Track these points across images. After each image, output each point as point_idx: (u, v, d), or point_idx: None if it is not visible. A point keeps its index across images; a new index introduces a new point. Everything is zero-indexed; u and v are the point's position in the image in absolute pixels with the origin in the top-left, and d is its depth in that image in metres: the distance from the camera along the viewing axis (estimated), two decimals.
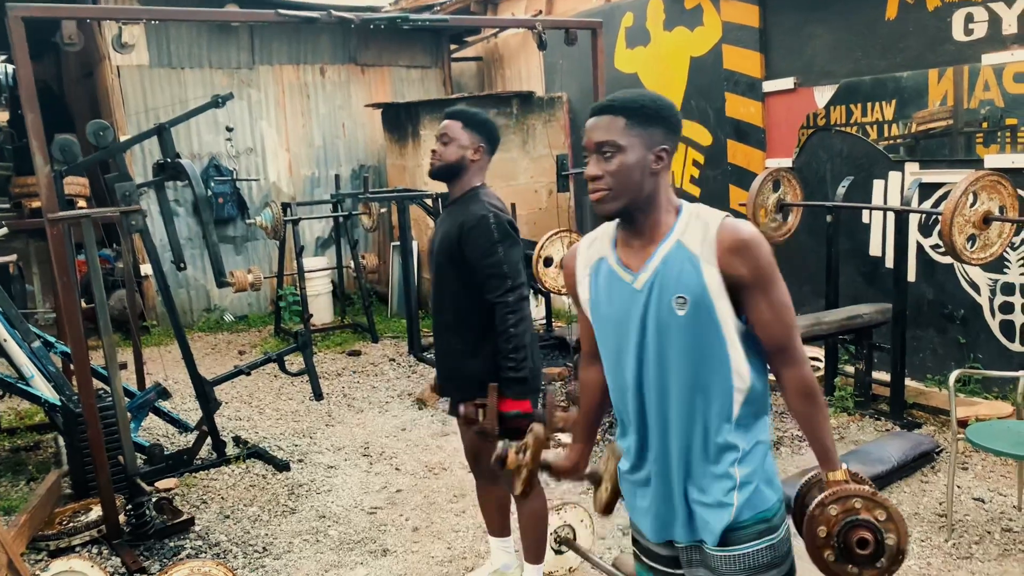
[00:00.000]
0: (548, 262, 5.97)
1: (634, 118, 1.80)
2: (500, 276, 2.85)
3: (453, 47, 10.35)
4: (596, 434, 2.22)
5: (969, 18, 5.04)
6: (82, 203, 6.98)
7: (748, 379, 1.83)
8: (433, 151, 2.95)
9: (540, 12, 8.87)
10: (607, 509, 2.02)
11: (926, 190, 5.31)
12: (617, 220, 1.89)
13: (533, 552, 3.17)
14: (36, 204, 6.70)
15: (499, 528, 3.35)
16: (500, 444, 2.21)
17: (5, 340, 4.58)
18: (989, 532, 3.71)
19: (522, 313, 2.88)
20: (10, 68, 13.95)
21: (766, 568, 1.86)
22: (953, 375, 3.79)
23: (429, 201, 7.24)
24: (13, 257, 6.66)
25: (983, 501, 4.01)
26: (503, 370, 2.87)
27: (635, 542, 2.08)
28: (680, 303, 1.79)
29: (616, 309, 1.89)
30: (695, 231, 1.81)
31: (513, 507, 3.35)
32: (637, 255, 1.86)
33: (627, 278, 1.86)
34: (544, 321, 7.30)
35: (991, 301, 5.15)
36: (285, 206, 7.57)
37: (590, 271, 1.95)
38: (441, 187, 7.50)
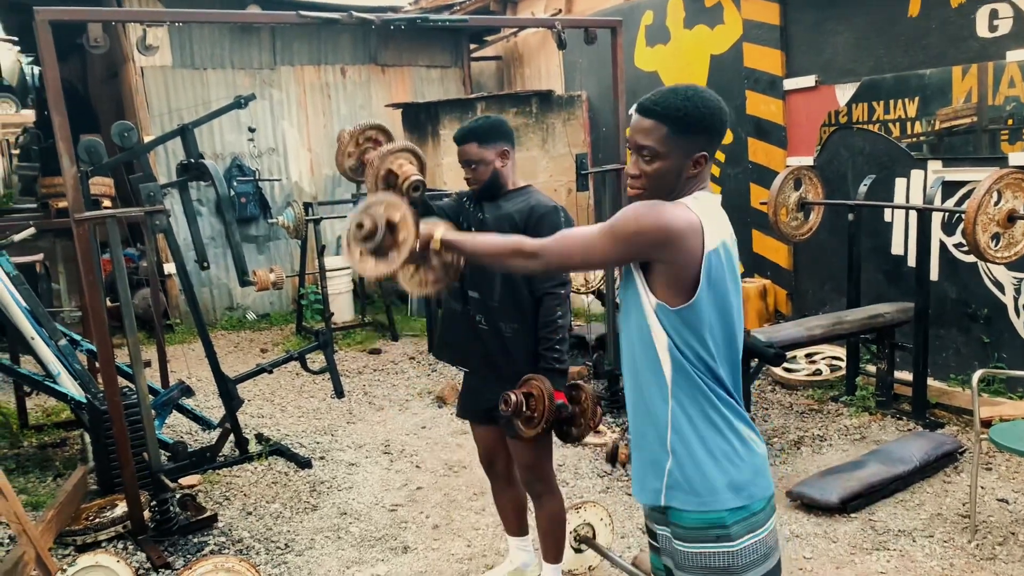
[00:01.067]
0: None
1: (678, 126, 1.83)
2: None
3: (473, 47, 10.37)
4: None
5: (994, 14, 4.99)
6: (107, 203, 7.06)
7: (669, 368, 1.86)
8: (466, 178, 3.02)
9: (559, 11, 8.87)
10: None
11: (949, 188, 5.26)
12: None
13: (552, 552, 3.18)
14: (62, 204, 6.79)
15: (517, 528, 3.37)
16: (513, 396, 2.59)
17: (32, 338, 4.65)
18: (1013, 533, 3.68)
19: (567, 307, 2.94)
20: (37, 70, 14.14)
21: (721, 573, 1.86)
22: (977, 375, 3.75)
23: (449, 200, 7.25)
24: (40, 256, 6.75)
25: (1007, 502, 3.97)
26: (548, 360, 2.88)
27: (647, 529, 2.11)
28: (627, 274, 1.95)
29: None
30: None
31: (531, 507, 3.36)
32: None
33: None
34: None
35: (1016, 300, 5.10)
36: (307, 205, 7.63)
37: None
38: (460, 187, 7.54)
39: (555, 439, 3.04)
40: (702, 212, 1.83)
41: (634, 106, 1.91)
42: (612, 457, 4.55)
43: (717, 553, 1.85)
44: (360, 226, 2.06)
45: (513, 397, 2.77)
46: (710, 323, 1.84)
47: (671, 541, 1.93)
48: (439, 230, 2.06)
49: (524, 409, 2.78)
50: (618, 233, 1.83)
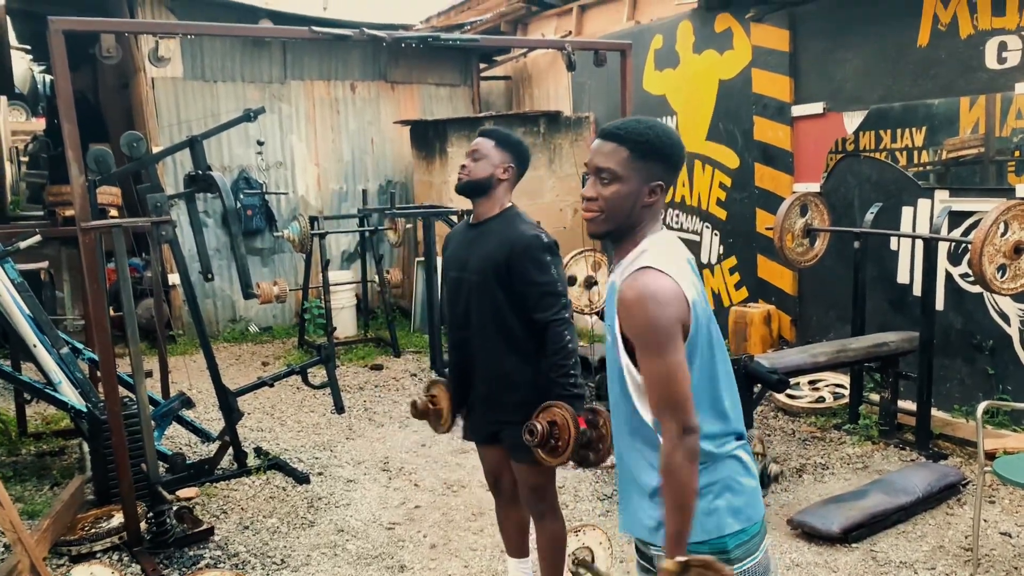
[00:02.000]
0: (572, 281, 5.97)
1: (637, 151, 1.86)
2: (555, 294, 2.85)
3: (482, 66, 10.42)
4: None
5: (1003, 46, 5.00)
6: (114, 212, 7.08)
7: (649, 416, 1.86)
8: (463, 166, 2.96)
9: (570, 33, 8.93)
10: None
11: (956, 218, 5.25)
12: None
13: (551, 573, 3.15)
14: (69, 212, 6.81)
15: (517, 549, 3.34)
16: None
17: (35, 345, 4.65)
18: (1016, 568, 3.64)
19: (573, 330, 2.90)
20: (49, 78, 14.24)
21: None
22: (981, 406, 3.73)
23: (455, 218, 7.27)
24: (45, 264, 6.76)
25: (1010, 536, 3.94)
26: (563, 387, 2.82)
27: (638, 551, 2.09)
28: (610, 330, 1.94)
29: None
30: (625, 272, 1.87)
31: (532, 528, 3.33)
32: (616, 268, 1.98)
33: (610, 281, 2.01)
34: None
35: (1021, 332, 5.08)
36: (312, 220, 7.64)
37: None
38: (468, 203, 7.56)
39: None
40: (670, 267, 1.82)
41: (598, 133, 1.94)
42: None
43: None
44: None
45: (539, 427, 2.72)
46: (702, 363, 1.86)
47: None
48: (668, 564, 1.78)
49: (550, 439, 2.74)
50: (661, 342, 1.77)
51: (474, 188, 2.95)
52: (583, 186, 5.92)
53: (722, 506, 1.86)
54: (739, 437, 1.94)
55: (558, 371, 2.84)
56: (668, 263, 1.84)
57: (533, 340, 2.90)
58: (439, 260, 8.50)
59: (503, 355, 2.93)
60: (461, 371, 3.08)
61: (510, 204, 3.00)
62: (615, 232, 1.92)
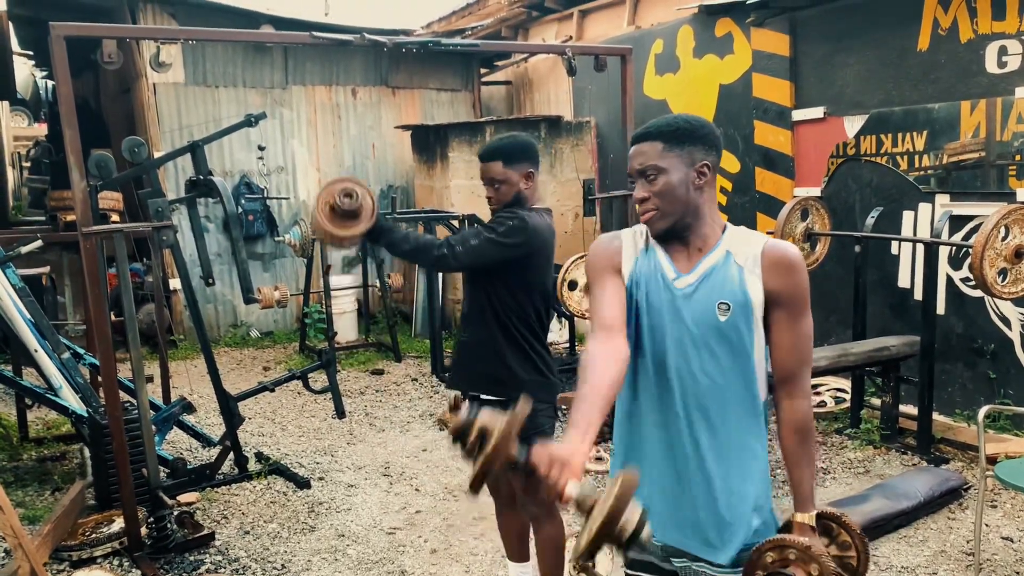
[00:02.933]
0: (572, 285, 5.97)
1: (670, 140, 1.87)
2: (464, 242, 2.89)
3: (483, 71, 10.44)
4: (602, 420, 1.71)
5: (1003, 51, 5.01)
6: (115, 217, 7.09)
7: (765, 393, 1.90)
8: (489, 197, 3.02)
9: (570, 38, 8.93)
10: (579, 560, 1.52)
11: (957, 222, 5.25)
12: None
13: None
14: (71, 217, 6.81)
15: (518, 554, 3.33)
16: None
17: (36, 350, 4.65)
18: (1018, 573, 3.63)
19: (426, 258, 2.93)
20: (50, 84, 14.27)
21: None
22: (983, 411, 3.72)
23: (456, 222, 7.27)
24: (46, 269, 6.78)
25: (1012, 540, 3.93)
26: (399, 234, 2.95)
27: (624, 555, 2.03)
28: (723, 309, 1.85)
29: (655, 303, 1.91)
30: (742, 244, 1.89)
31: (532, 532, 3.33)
32: (683, 259, 1.92)
33: (671, 275, 1.91)
34: (567, 345, 7.29)
35: (1022, 336, 5.07)
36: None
37: (637, 253, 1.97)
38: (469, 209, 7.56)
39: None
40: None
41: (631, 140, 1.95)
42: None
43: None
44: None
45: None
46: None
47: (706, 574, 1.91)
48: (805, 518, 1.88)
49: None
50: (809, 306, 1.91)
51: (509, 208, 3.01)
52: (584, 191, 5.90)
53: (772, 506, 1.94)
54: None
55: (410, 239, 2.94)
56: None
57: (507, 315, 2.95)
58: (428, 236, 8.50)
59: (482, 325, 2.99)
60: (457, 352, 3.22)
61: (538, 205, 3.04)
62: (679, 222, 1.88)
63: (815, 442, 1.89)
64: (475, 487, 1.59)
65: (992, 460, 4.16)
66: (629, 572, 2.07)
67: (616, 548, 1.49)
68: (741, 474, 1.87)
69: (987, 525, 4.05)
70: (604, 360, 1.77)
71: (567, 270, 5.91)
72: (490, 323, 2.98)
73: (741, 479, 1.87)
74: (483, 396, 3.01)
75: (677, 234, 1.91)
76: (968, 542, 3.90)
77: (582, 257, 5.99)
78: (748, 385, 1.87)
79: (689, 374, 1.86)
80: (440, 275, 8.02)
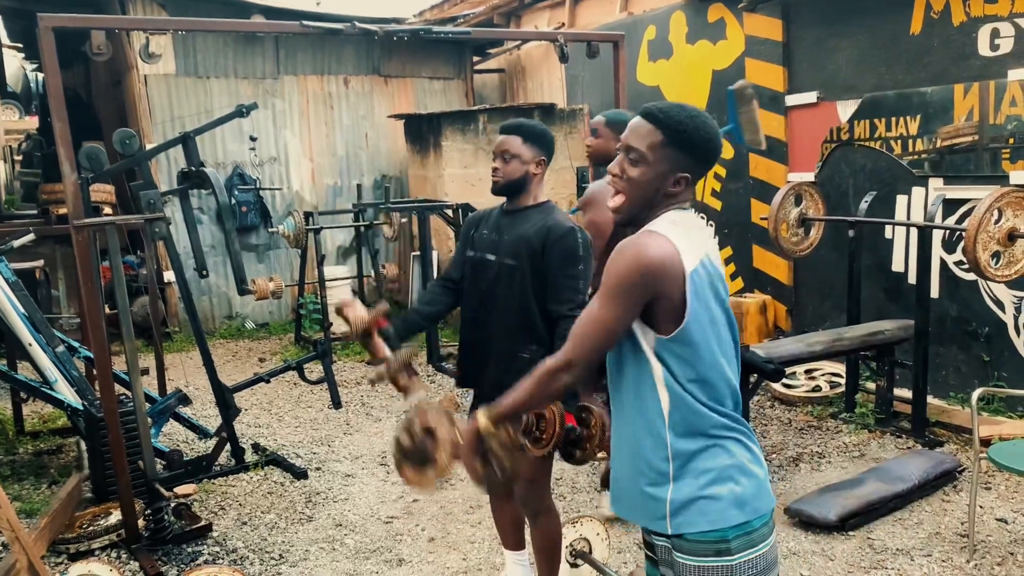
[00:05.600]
0: None
1: (673, 137, 1.83)
2: (575, 290, 2.81)
3: (476, 59, 10.40)
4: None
5: (995, 33, 5.00)
6: (108, 210, 7.06)
7: (667, 401, 1.85)
8: (495, 168, 2.93)
9: (562, 25, 8.91)
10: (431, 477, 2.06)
11: (950, 206, 5.26)
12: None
13: (547, 569, 3.16)
14: (63, 210, 6.79)
15: (514, 542, 3.34)
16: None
17: (30, 344, 4.64)
18: (1012, 553, 3.66)
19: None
20: (41, 76, 14.19)
21: None
22: (976, 393, 3.74)
23: (450, 212, 7.26)
24: (40, 262, 6.75)
25: (1006, 522, 3.95)
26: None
27: (645, 542, 2.10)
28: None
29: None
30: None
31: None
32: None
33: None
34: None
35: (1016, 319, 5.09)
36: (307, 215, 7.63)
37: None
38: (464, 197, 7.55)
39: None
40: (675, 234, 1.81)
41: (640, 111, 1.90)
42: (606, 481, 4.48)
43: (716, 567, 1.84)
44: (399, 443, 2.08)
45: (524, 417, 2.70)
46: (705, 341, 1.83)
47: (671, 552, 1.91)
48: (481, 416, 1.98)
49: (534, 430, 2.72)
50: (611, 292, 1.80)
51: (511, 189, 2.94)
52: (577, 179, 5.89)
53: (724, 495, 1.83)
54: (739, 423, 1.91)
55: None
56: (671, 230, 1.82)
57: (545, 325, 2.87)
58: (435, 254, 8.52)
59: (521, 341, 2.89)
60: (474, 354, 3.04)
61: (547, 199, 2.99)
62: (635, 216, 1.89)
63: (536, 378, 1.92)
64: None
65: (986, 442, 4.19)
66: (647, 553, 2.10)
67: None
68: (638, 466, 1.93)
69: (981, 507, 4.07)
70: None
71: None
72: (542, 336, 2.88)
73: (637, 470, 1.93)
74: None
75: (631, 223, 1.91)
76: (962, 524, 3.92)
77: None
78: (636, 375, 1.89)
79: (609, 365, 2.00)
80: (435, 264, 8.01)
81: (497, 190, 2.96)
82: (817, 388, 5.88)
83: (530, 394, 1.94)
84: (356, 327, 2.89)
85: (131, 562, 3.87)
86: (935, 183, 5.43)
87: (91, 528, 4.08)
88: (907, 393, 5.13)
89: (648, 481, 1.90)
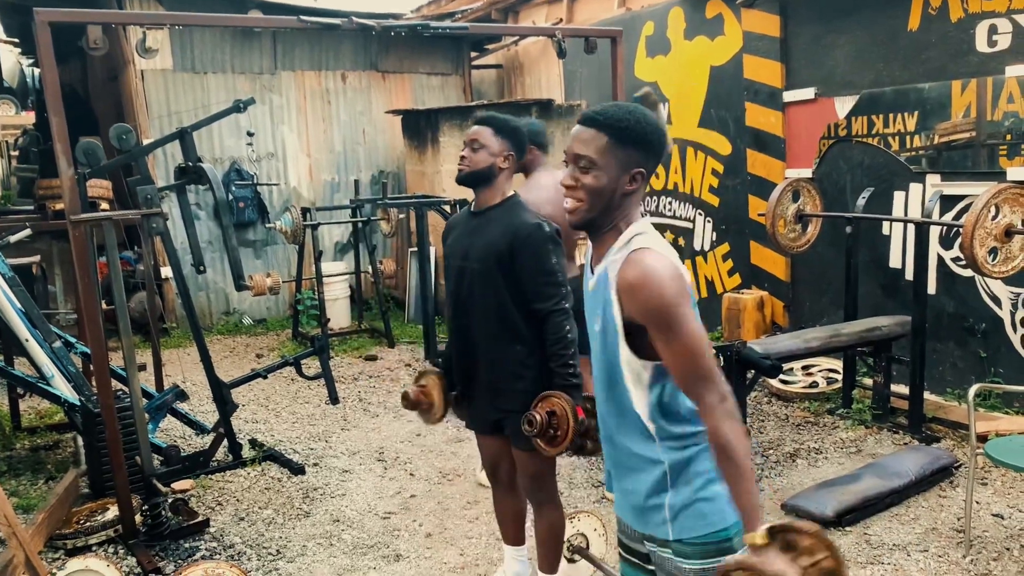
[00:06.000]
0: None
1: (617, 137, 1.82)
2: (556, 284, 2.83)
3: (473, 54, 10.38)
4: None
5: (993, 29, 5.00)
6: (105, 205, 7.05)
7: (645, 403, 1.85)
8: (462, 157, 2.92)
9: (560, 20, 8.90)
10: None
11: (947, 202, 5.26)
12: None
13: (548, 562, 3.16)
14: (59, 206, 6.77)
15: (514, 537, 3.35)
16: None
17: (27, 340, 4.63)
18: (1008, 549, 3.67)
19: (573, 322, 2.86)
20: (37, 71, 14.15)
21: None
22: (973, 389, 3.74)
23: (447, 207, 7.26)
24: (36, 258, 6.74)
25: (1002, 517, 3.96)
26: (563, 377, 2.81)
27: (619, 540, 2.09)
28: (598, 319, 1.90)
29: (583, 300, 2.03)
30: (616, 257, 1.85)
31: (529, 517, 3.34)
32: (596, 258, 1.95)
33: (588, 273, 1.98)
34: None
35: (1013, 315, 5.09)
36: (305, 211, 7.62)
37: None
38: (461, 193, 7.54)
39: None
40: (662, 246, 1.83)
41: (578, 118, 1.91)
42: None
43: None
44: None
45: (538, 417, 2.68)
46: None
47: (671, 561, 1.90)
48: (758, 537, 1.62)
49: (548, 429, 2.71)
50: (685, 311, 1.74)
51: (475, 179, 2.93)
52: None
53: (721, 493, 1.83)
54: None
55: (557, 361, 2.83)
56: (661, 245, 1.83)
57: (535, 329, 2.88)
58: (432, 250, 8.53)
59: (506, 344, 2.91)
60: (462, 359, 3.07)
61: (512, 193, 2.98)
62: (596, 221, 1.88)
63: (738, 460, 1.70)
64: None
65: (982, 438, 4.20)
66: (622, 554, 2.09)
67: None
68: (637, 481, 1.92)
69: (977, 502, 4.08)
70: None
71: None
72: (526, 341, 2.90)
73: (637, 484, 1.92)
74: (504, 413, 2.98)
75: (593, 231, 1.91)
76: (959, 519, 3.93)
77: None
78: (624, 398, 1.87)
79: (596, 377, 1.97)
80: (433, 260, 8.01)
81: (461, 178, 2.96)
82: (814, 384, 5.89)
83: (747, 466, 1.71)
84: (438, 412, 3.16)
85: (128, 558, 3.87)
86: (932, 179, 5.44)
87: (88, 524, 4.08)
88: (904, 389, 5.14)
89: (648, 490, 1.90)
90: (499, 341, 2.92)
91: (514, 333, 2.90)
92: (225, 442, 4.91)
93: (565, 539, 3.36)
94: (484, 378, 3.01)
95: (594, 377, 2.00)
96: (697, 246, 7.52)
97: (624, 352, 1.84)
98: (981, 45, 5.08)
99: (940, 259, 5.43)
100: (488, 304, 2.92)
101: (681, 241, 7.68)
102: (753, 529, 1.64)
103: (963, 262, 5.04)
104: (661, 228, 7.56)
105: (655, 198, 7.95)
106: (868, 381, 5.40)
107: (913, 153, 5.54)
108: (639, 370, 1.84)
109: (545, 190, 4.08)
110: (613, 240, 1.88)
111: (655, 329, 1.75)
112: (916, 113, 5.47)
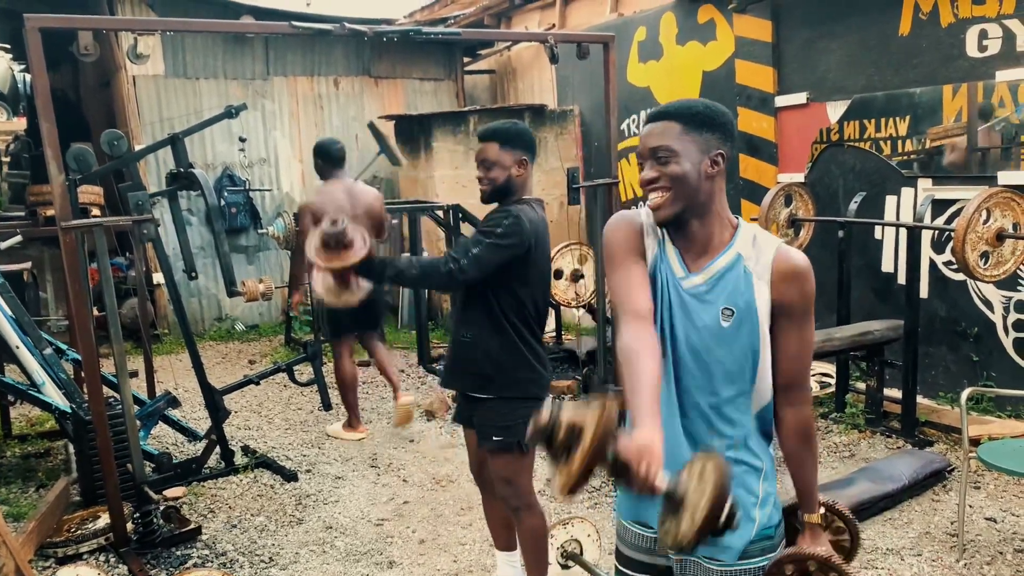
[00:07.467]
0: (559, 275, 5.98)
1: (689, 123, 1.79)
2: (466, 253, 2.81)
3: (466, 60, 10.39)
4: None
5: (983, 34, 5.02)
6: (96, 212, 7.02)
7: (767, 396, 1.86)
8: (479, 177, 2.97)
9: (553, 26, 8.91)
10: (683, 544, 1.50)
11: (939, 206, 5.28)
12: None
13: (535, 568, 3.15)
14: (50, 212, 6.74)
15: (505, 542, 3.34)
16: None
17: (17, 347, 4.60)
18: (1001, 553, 3.67)
19: (443, 283, 2.93)
20: (29, 77, 14.11)
21: None
22: (965, 393, 3.75)
23: (440, 213, 7.25)
24: (27, 264, 6.70)
25: (995, 521, 3.96)
26: (398, 271, 2.80)
27: (619, 554, 2.02)
28: (727, 315, 1.80)
29: (664, 298, 1.86)
30: (753, 248, 1.83)
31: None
32: (692, 257, 1.86)
33: (680, 273, 1.85)
34: (554, 334, 7.29)
35: (1004, 319, 5.11)
36: (297, 216, 7.59)
37: (657, 240, 1.90)
38: (453, 199, 7.53)
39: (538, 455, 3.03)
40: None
41: (647, 117, 1.87)
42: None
43: (766, 564, 1.87)
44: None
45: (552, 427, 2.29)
46: None
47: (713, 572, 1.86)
48: (815, 517, 1.94)
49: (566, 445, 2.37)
50: (813, 314, 1.88)
51: (497, 195, 2.98)
52: (568, 180, 5.86)
53: (776, 492, 1.90)
54: None
55: (413, 265, 2.89)
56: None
57: (503, 312, 2.93)
58: (425, 255, 8.49)
59: (463, 326, 2.99)
60: (450, 352, 3.17)
61: (527, 196, 3.02)
62: (686, 212, 1.80)
63: (816, 444, 1.89)
64: (574, 489, 1.50)
65: (975, 442, 4.20)
66: (621, 569, 2.02)
67: (712, 536, 1.49)
68: (742, 477, 1.85)
69: (971, 506, 4.09)
70: (648, 351, 1.73)
71: (552, 260, 5.90)
72: (485, 321, 2.95)
73: (735, 490, 1.78)
74: (476, 395, 3.01)
75: (683, 225, 1.83)
76: (952, 523, 3.93)
77: (568, 246, 5.99)
78: (746, 392, 1.84)
79: (692, 376, 1.83)
80: None
81: (486, 198, 3.02)
82: None
83: (816, 460, 1.94)
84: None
85: (120, 566, 3.85)
86: (924, 184, 5.45)
87: (79, 532, 4.05)
88: (897, 393, 5.15)
89: (752, 498, 1.92)
90: (461, 326, 3.03)
91: (480, 311, 2.96)
92: (217, 449, 4.89)
93: (558, 545, 3.34)
94: (450, 356, 3.14)
95: (684, 384, 1.84)
96: None
97: (767, 340, 1.82)
98: (972, 50, 5.10)
99: (932, 263, 5.44)
100: (460, 300, 3.05)
101: None
102: (814, 510, 1.90)
103: (955, 266, 5.06)
104: None
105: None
106: (861, 385, 5.41)
107: (905, 157, 5.55)
108: (769, 359, 1.84)
109: (329, 194, 5.27)
110: (719, 231, 1.84)
111: (800, 314, 1.83)
112: (907, 118, 5.49)
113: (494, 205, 3.02)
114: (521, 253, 2.88)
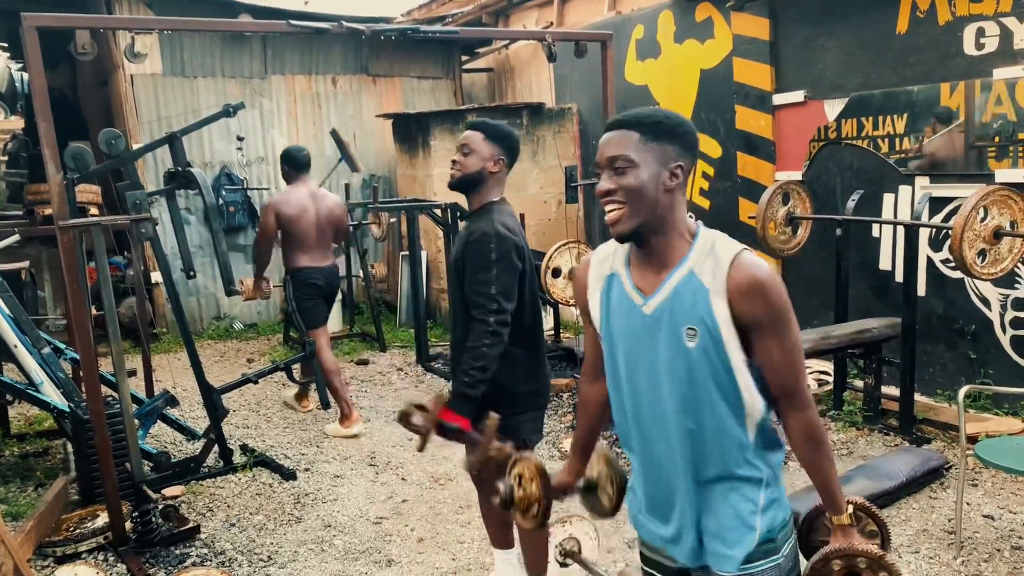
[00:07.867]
0: (556, 273, 5.98)
1: (648, 133, 1.75)
2: (487, 296, 2.81)
3: (464, 58, 10.39)
4: (592, 450, 2.19)
5: (980, 32, 5.03)
6: (94, 211, 7.02)
7: (760, 409, 1.79)
8: (453, 161, 2.95)
9: (551, 24, 8.90)
10: (614, 512, 2.14)
11: (936, 204, 5.29)
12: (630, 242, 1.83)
13: (535, 566, 3.16)
14: (48, 211, 6.74)
15: (503, 541, 3.34)
16: (501, 486, 2.23)
17: (16, 346, 4.60)
18: (999, 550, 3.68)
19: (499, 338, 2.80)
20: (26, 76, 14.08)
21: None
22: (963, 391, 3.76)
23: (439, 211, 7.25)
24: (25, 263, 6.69)
25: (993, 518, 3.97)
26: (460, 383, 2.80)
27: (643, 556, 2.05)
28: (690, 334, 1.74)
29: (625, 330, 1.84)
30: (708, 261, 1.74)
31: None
32: (650, 279, 1.80)
33: (638, 300, 1.81)
34: (552, 332, 7.30)
35: (1002, 316, 5.12)
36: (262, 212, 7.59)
37: (602, 286, 1.89)
38: (452, 197, 7.54)
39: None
40: None
41: (605, 126, 1.84)
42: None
43: (768, 570, 1.83)
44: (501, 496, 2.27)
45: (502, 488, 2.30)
46: None
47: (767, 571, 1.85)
48: (845, 517, 1.89)
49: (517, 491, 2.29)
50: (793, 317, 1.76)
51: (465, 184, 2.96)
52: (566, 178, 5.87)
53: (778, 508, 1.86)
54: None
55: (464, 365, 2.81)
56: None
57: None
58: (424, 254, 8.50)
59: (464, 326, 2.98)
60: (451, 354, 3.19)
61: (496, 199, 2.98)
62: (645, 225, 1.75)
63: (829, 447, 1.83)
64: (543, 524, 2.36)
65: (973, 439, 4.21)
66: (645, 569, 2.05)
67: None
68: (731, 499, 1.83)
69: (968, 504, 4.09)
70: (592, 404, 2.17)
71: (550, 258, 5.91)
72: (465, 334, 2.94)
73: (733, 502, 1.83)
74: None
75: (643, 239, 1.78)
76: (950, 521, 3.94)
77: (566, 244, 5.99)
78: (726, 412, 1.77)
79: (667, 400, 1.80)
80: (424, 264, 8.00)
81: (452, 184, 3.00)
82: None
83: (831, 462, 1.87)
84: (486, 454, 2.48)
85: (118, 565, 3.85)
86: (922, 182, 5.46)
87: (78, 531, 4.06)
88: (894, 391, 5.15)
89: (746, 513, 1.88)
90: (459, 322, 3.03)
91: (461, 322, 2.99)
92: (216, 448, 4.89)
93: (557, 543, 3.35)
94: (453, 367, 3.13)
95: (663, 409, 1.82)
96: None
97: (737, 356, 1.74)
98: (969, 48, 5.10)
99: (930, 261, 5.45)
100: (458, 301, 3.03)
101: None
102: (841, 511, 1.86)
103: (952, 264, 5.06)
104: None
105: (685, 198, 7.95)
106: (859, 383, 5.41)
107: (902, 155, 5.56)
108: (747, 373, 1.76)
109: (294, 194, 5.55)
110: (678, 245, 1.79)
111: (772, 327, 1.72)
112: (905, 115, 5.49)
113: (460, 196, 3.05)
114: (518, 272, 2.91)
